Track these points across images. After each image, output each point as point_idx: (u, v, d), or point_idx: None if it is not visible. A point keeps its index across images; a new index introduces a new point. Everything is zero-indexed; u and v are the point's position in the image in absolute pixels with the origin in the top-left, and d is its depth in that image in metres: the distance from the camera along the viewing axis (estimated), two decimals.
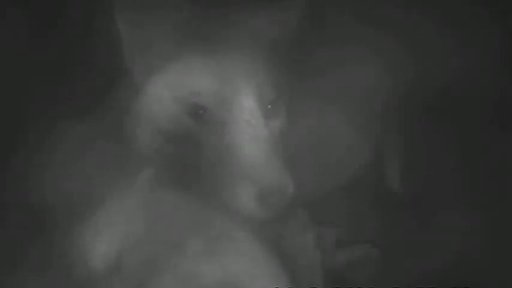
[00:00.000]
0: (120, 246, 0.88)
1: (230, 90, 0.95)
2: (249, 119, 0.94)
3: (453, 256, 0.96)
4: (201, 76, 0.95)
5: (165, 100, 0.96)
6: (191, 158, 0.94)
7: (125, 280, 0.86)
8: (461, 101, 1.01)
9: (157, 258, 0.86)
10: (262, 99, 0.96)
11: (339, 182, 1.00)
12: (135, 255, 0.87)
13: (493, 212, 0.98)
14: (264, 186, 0.90)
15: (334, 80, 0.98)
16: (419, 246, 0.97)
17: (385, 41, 0.99)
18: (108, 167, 0.93)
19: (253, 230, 0.91)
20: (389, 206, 1.00)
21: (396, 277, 0.95)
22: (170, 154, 0.95)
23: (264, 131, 0.93)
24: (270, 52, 0.98)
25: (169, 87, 0.96)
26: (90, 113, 0.95)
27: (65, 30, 0.99)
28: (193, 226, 0.89)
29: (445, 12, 1.00)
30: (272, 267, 0.89)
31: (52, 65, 0.98)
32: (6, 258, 0.92)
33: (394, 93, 1.00)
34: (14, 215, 0.94)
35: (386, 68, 0.99)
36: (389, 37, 0.99)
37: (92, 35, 0.97)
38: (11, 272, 0.91)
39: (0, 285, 0.91)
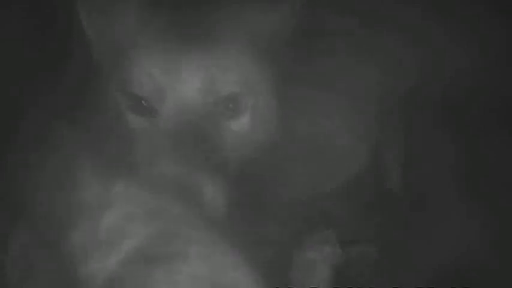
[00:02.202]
0: (119, 248, 0.88)
1: (170, 80, 0.90)
2: (192, 115, 0.89)
3: (453, 256, 0.96)
4: (146, 66, 0.91)
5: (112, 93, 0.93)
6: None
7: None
8: (461, 100, 1.01)
9: (156, 262, 0.86)
10: (213, 94, 0.91)
11: (339, 182, 1.00)
12: (132, 257, 0.87)
13: (493, 212, 0.98)
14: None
15: (333, 79, 0.98)
16: (419, 246, 0.97)
17: (386, 40, 0.99)
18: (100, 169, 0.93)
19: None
20: (389, 206, 1.00)
21: (396, 277, 0.95)
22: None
23: (215, 133, 0.90)
24: (254, 47, 0.94)
25: (119, 80, 0.93)
26: (73, 114, 0.95)
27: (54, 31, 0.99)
28: (189, 232, 0.88)
29: (445, 12, 1.00)
30: (271, 267, 0.89)
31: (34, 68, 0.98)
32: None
33: (394, 93, 1.00)
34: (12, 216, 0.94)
35: (386, 68, 0.99)
36: (389, 37, 0.99)
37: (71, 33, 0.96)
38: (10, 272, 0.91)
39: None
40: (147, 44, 0.92)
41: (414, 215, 0.99)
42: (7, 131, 0.97)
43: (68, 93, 0.96)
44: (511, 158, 1.00)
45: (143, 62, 0.92)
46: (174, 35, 0.92)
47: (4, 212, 0.94)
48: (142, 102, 0.91)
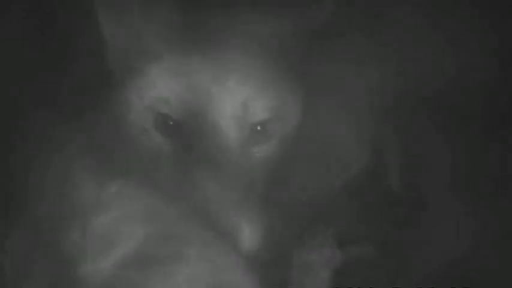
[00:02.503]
0: (118, 249, 0.88)
1: (205, 102, 0.84)
2: (224, 144, 0.83)
3: (453, 256, 0.96)
4: (173, 82, 0.86)
5: (134, 108, 0.88)
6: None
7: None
8: (461, 100, 1.01)
9: (155, 262, 0.86)
10: (247, 120, 0.85)
11: (339, 182, 1.00)
12: (133, 260, 0.87)
13: (493, 212, 0.98)
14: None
15: (333, 80, 0.98)
16: (419, 246, 0.97)
17: (385, 41, 0.99)
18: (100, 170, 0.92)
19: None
20: (389, 206, 1.00)
21: (396, 277, 0.95)
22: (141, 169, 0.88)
23: (241, 161, 0.84)
24: (266, 59, 0.90)
25: (139, 93, 0.88)
26: (74, 115, 0.94)
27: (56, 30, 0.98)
28: (187, 232, 0.88)
29: (445, 12, 1.00)
30: (271, 267, 0.89)
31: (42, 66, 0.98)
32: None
33: (394, 93, 1.00)
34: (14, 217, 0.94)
35: (386, 68, 0.99)
36: (389, 37, 0.99)
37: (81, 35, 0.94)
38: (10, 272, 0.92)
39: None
40: (171, 57, 0.88)
41: (414, 215, 0.99)
42: (7, 131, 0.97)
43: (68, 93, 0.97)
44: (510, 158, 1.00)
45: (170, 80, 0.87)
46: (199, 52, 0.88)
47: (3, 212, 0.94)
48: (170, 122, 0.87)
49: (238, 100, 0.86)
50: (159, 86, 0.88)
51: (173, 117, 0.87)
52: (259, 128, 0.88)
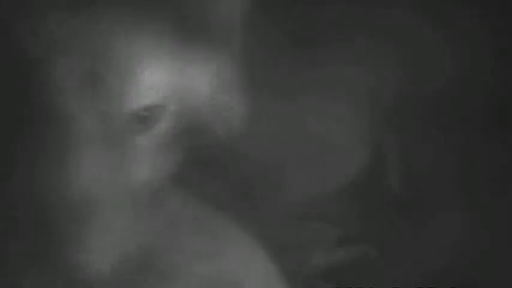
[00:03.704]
0: (124, 246, 0.88)
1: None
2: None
3: (453, 256, 0.96)
4: None
5: None
6: None
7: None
8: (461, 100, 1.01)
9: (160, 261, 0.86)
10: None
11: (338, 182, 1.00)
12: (136, 259, 0.87)
13: (492, 212, 0.98)
14: None
15: (333, 81, 0.98)
16: (419, 246, 0.97)
17: (384, 41, 0.99)
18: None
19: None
20: (389, 206, 1.00)
21: (395, 277, 0.95)
22: None
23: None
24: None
25: None
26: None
27: None
28: (194, 227, 0.89)
29: (443, 12, 1.00)
30: (269, 268, 0.89)
31: None
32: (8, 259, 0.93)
33: (394, 93, 1.00)
34: (18, 215, 0.94)
35: (385, 69, 0.99)
36: (388, 37, 0.99)
37: None
38: (12, 272, 0.91)
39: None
40: None
41: (414, 215, 0.99)
42: (9, 132, 0.97)
43: None
44: (510, 157, 1.00)
45: None
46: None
47: (4, 212, 0.94)
48: None
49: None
50: None
51: None
52: (146, 112, 0.78)
